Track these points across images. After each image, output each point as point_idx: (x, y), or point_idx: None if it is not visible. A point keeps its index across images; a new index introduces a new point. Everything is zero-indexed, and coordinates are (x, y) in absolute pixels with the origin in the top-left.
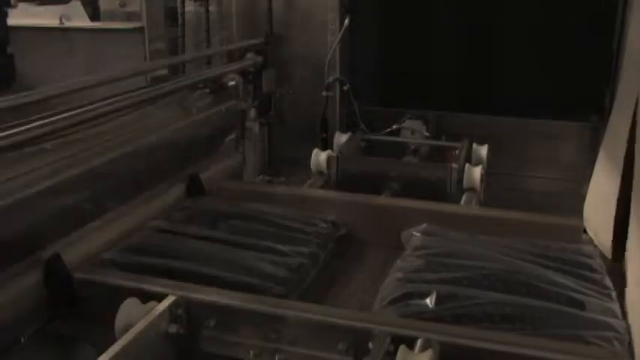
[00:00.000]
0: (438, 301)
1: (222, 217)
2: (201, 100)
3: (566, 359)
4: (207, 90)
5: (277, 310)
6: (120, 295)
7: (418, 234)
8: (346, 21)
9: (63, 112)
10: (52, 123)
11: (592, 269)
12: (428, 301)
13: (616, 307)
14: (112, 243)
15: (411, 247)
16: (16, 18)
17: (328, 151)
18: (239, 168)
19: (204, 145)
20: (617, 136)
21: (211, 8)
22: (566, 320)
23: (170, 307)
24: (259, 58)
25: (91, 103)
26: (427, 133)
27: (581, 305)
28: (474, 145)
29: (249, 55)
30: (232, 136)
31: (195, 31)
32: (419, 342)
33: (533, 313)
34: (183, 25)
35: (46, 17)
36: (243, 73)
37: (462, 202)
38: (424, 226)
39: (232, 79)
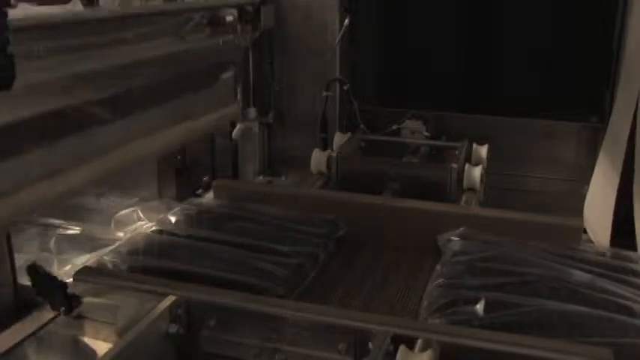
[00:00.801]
0: (487, 309)
1: (222, 218)
2: (196, 30)
3: (566, 359)
4: (205, 21)
5: (277, 310)
6: (120, 295)
7: (456, 238)
8: (346, 21)
9: None
10: None
11: (636, 274)
12: (477, 308)
13: None
14: None
15: (450, 252)
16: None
17: (328, 151)
18: (237, 115)
19: (199, 77)
20: (618, 137)
21: None
22: (617, 328)
23: (170, 307)
24: None
25: None
26: (427, 133)
27: (630, 312)
28: (474, 145)
29: None
30: (230, 74)
31: None
32: (419, 342)
33: (582, 320)
34: None
35: None
36: (240, 10)
37: (462, 202)
38: (462, 229)
39: (230, 14)
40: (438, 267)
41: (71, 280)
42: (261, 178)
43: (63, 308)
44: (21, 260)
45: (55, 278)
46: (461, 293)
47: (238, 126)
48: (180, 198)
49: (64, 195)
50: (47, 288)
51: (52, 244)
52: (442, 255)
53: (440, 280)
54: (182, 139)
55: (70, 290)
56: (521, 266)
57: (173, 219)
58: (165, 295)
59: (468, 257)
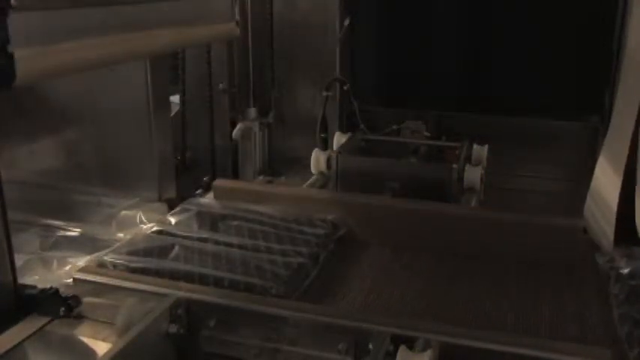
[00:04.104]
0: None
1: (222, 218)
2: None
3: (566, 359)
4: None
5: (277, 310)
6: (120, 295)
7: (623, 258)
8: (346, 21)
9: None
10: None
11: None
12: None
13: None
14: None
15: (622, 274)
16: None
17: (328, 151)
18: (234, 34)
19: None
20: (619, 136)
21: None
22: None
23: (170, 307)
24: None
25: None
26: (427, 133)
27: None
28: (474, 145)
29: None
30: None
31: None
32: (419, 342)
33: None
34: None
35: None
36: None
37: (462, 202)
38: (618, 248)
39: None
40: (616, 291)
41: (71, 280)
42: (261, 178)
43: (63, 309)
44: (21, 260)
45: (43, 290)
46: None
47: (238, 126)
48: (181, 198)
49: None
50: (40, 305)
51: (52, 244)
52: (612, 277)
53: (633, 307)
54: (177, 42)
55: (69, 290)
56: None
57: (173, 219)
58: (165, 295)
59: None
